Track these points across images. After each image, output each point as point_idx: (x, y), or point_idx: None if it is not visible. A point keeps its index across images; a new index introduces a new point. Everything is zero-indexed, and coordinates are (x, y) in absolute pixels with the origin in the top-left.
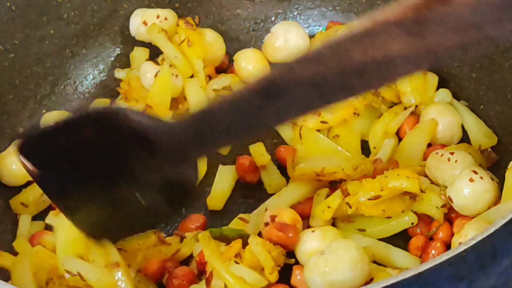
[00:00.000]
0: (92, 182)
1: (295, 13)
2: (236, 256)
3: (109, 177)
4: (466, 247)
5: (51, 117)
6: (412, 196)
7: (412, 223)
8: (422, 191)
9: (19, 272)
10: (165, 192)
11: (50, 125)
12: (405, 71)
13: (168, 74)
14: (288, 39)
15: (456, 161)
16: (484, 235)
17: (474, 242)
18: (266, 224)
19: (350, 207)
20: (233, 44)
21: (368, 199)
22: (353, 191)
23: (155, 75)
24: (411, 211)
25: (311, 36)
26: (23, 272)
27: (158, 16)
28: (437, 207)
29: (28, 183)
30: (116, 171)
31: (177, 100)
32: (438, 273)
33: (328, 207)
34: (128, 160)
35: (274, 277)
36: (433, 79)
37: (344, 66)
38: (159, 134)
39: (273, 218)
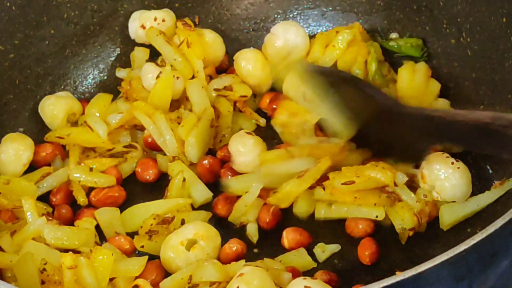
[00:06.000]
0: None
1: (295, 13)
2: None
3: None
4: (466, 247)
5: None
6: (389, 195)
7: (377, 216)
8: (395, 184)
9: (22, 271)
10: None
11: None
12: None
13: (170, 76)
14: (287, 39)
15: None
16: (484, 235)
17: (474, 242)
18: None
19: (324, 189)
20: (233, 44)
21: (342, 184)
22: (332, 176)
23: (157, 77)
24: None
25: (311, 36)
26: (27, 271)
27: (155, 19)
28: (404, 228)
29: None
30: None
31: (178, 101)
32: (438, 273)
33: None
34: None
35: None
36: (435, 86)
37: None
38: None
39: None
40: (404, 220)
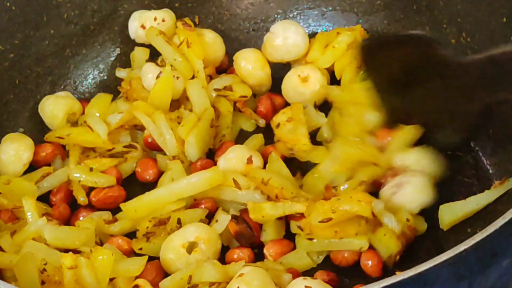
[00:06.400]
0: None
1: (295, 13)
2: None
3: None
4: (466, 247)
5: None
6: (368, 221)
7: (361, 248)
8: (374, 215)
9: (22, 271)
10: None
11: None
12: None
13: (170, 76)
14: (287, 38)
15: None
16: (484, 235)
17: (474, 242)
18: None
19: (302, 230)
20: (233, 44)
21: (319, 222)
22: (307, 213)
23: (157, 77)
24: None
25: (311, 36)
26: (28, 271)
27: (155, 19)
28: (391, 254)
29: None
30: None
31: (178, 101)
32: (438, 273)
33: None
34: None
35: None
36: None
37: None
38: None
39: None
40: (389, 247)
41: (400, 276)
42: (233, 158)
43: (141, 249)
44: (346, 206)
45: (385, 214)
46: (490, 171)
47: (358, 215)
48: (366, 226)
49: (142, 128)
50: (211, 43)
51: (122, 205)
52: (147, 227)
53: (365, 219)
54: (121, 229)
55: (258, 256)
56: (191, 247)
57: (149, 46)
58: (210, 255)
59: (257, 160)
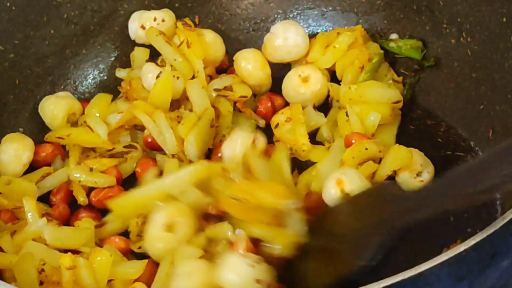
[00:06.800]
0: None
1: (295, 13)
2: None
3: None
4: (466, 247)
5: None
6: (276, 215)
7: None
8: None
9: (22, 271)
10: None
11: None
12: None
13: (170, 76)
14: (287, 38)
15: None
16: (484, 235)
17: (474, 242)
18: None
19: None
20: (233, 44)
21: (231, 197)
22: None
23: (157, 77)
24: None
25: (311, 36)
26: (27, 272)
27: (155, 19)
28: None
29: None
30: None
31: (178, 101)
32: (438, 273)
33: None
34: None
35: None
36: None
37: None
38: None
39: None
40: (284, 248)
41: (400, 276)
42: (238, 143)
43: (140, 247)
44: (260, 193)
45: (291, 216)
46: None
47: (268, 207)
48: (272, 219)
49: (142, 128)
50: (211, 43)
51: (108, 202)
52: (137, 223)
53: (273, 213)
54: (112, 229)
55: None
56: (170, 227)
57: (149, 46)
58: (190, 223)
59: (261, 141)
